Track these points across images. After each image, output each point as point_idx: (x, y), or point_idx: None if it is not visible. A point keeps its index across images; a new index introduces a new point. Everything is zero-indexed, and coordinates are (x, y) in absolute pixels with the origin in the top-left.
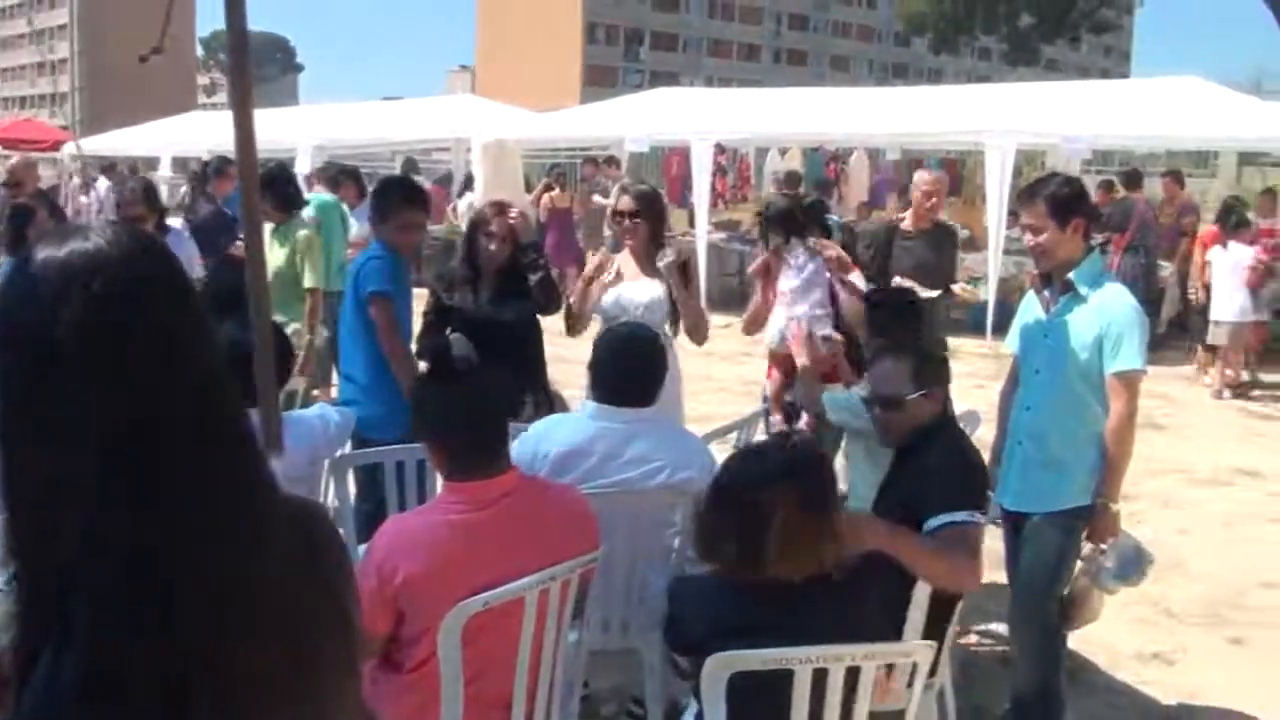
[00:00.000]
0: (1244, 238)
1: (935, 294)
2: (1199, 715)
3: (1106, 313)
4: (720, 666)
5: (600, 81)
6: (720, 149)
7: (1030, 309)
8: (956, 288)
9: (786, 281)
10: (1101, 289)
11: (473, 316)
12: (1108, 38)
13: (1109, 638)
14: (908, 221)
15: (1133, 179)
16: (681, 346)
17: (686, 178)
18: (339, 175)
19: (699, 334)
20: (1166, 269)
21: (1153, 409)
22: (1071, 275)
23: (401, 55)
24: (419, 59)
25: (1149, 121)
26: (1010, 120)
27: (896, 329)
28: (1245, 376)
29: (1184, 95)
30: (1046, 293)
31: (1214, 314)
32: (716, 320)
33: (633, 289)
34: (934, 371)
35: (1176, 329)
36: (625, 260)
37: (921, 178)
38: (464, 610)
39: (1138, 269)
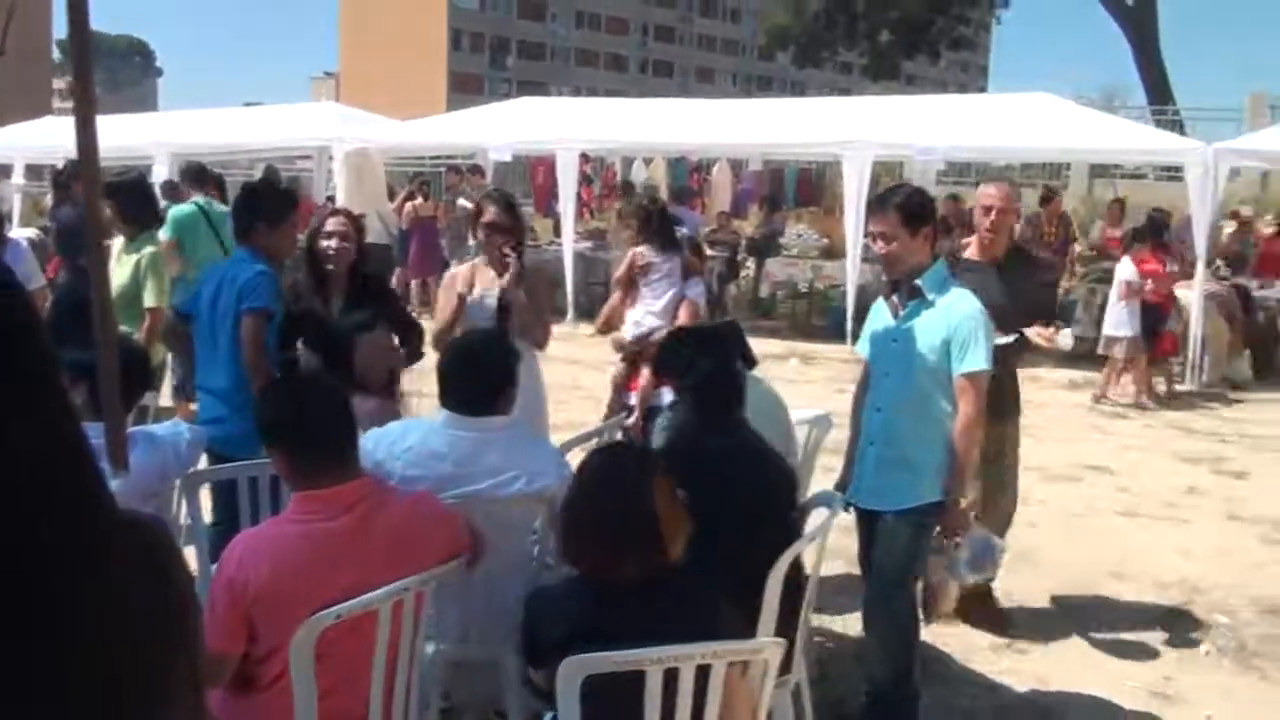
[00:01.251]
0: (1137, 254)
1: (1008, 340)
2: (1050, 700)
3: (953, 317)
4: (573, 670)
5: (466, 90)
6: (585, 158)
7: (880, 315)
8: (1032, 332)
9: (648, 285)
10: (947, 294)
11: (321, 323)
12: (966, 54)
13: (962, 629)
14: (972, 249)
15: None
16: (551, 355)
17: (552, 187)
18: (201, 173)
19: (531, 337)
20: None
21: None
22: (919, 281)
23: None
24: (283, 65)
25: (1002, 134)
26: (867, 132)
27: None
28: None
29: (1035, 110)
30: (895, 298)
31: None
32: (584, 328)
33: (493, 297)
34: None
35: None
36: (483, 270)
37: (984, 191)
38: (316, 624)
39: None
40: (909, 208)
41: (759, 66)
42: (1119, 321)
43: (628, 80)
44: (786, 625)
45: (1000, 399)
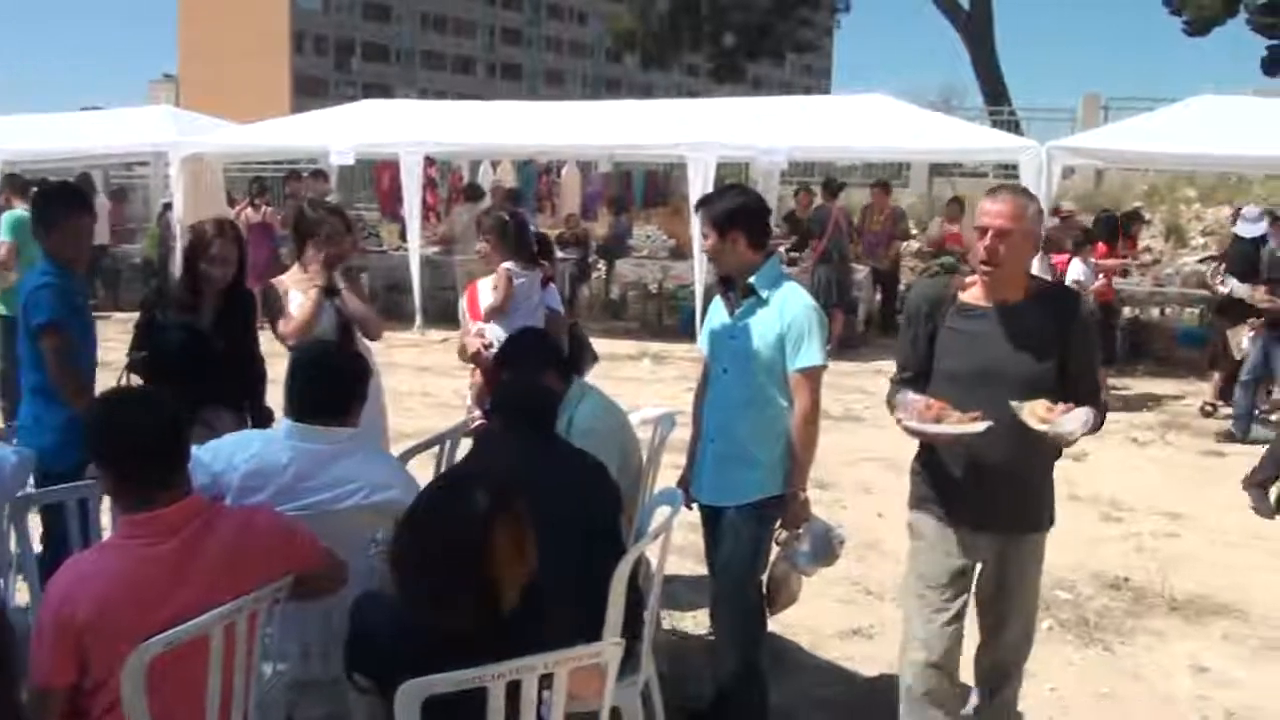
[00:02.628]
0: (1085, 254)
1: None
2: (895, 679)
3: (786, 313)
4: (413, 694)
5: (311, 93)
6: (430, 161)
7: (717, 312)
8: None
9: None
10: (780, 290)
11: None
12: (809, 57)
13: (811, 619)
14: (975, 290)
15: (830, 188)
16: (398, 363)
17: (397, 191)
18: (19, 182)
19: (368, 331)
20: (861, 272)
21: (853, 402)
22: (752, 279)
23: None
24: (120, 67)
25: (843, 135)
26: (711, 133)
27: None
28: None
29: (875, 110)
30: (730, 296)
31: None
32: (432, 335)
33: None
34: None
35: (877, 327)
36: (304, 279)
37: (983, 207)
38: (145, 652)
39: (832, 273)
40: (717, 211)
41: (607, 69)
42: None
43: (476, 83)
44: (631, 624)
45: None
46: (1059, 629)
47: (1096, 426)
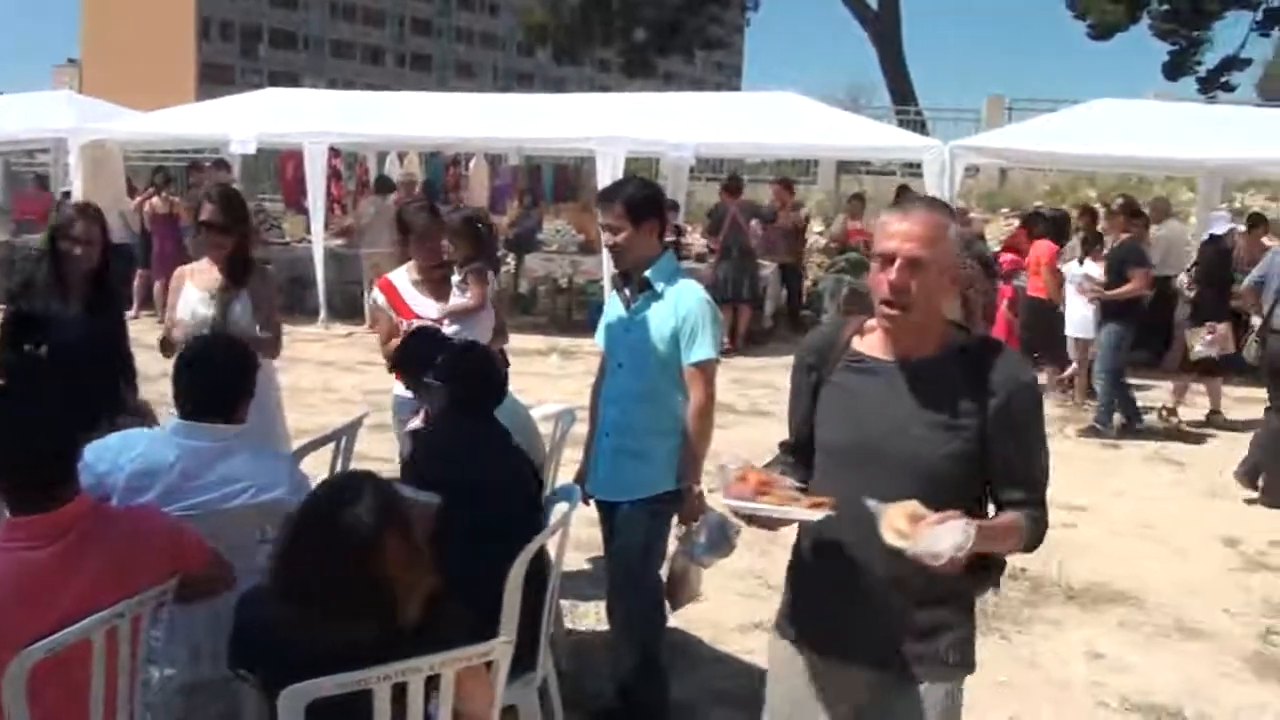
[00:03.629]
0: (1097, 256)
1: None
2: None
3: (681, 307)
4: (298, 698)
5: (217, 80)
6: (335, 152)
7: (614, 307)
8: (889, 530)
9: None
10: (676, 285)
11: (55, 328)
12: (720, 54)
13: (713, 613)
14: (874, 337)
15: (730, 185)
16: (301, 357)
17: (302, 182)
18: None
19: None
20: (768, 268)
21: (759, 397)
22: (648, 273)
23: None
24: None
25: (751, 131)
26: (620, 128)
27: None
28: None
29: (784, 108)
30: (626, 290)
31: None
32: (337, 329)
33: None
34: None
35: (785, 322)
36: (203, 271)
37: (887, 227)
38: (26, 658)
39: (732, 269)
40: (634, 200)
41: (519, 62)
42: (1085, 322)
43: (385, 73)
44: (530, 621)
45: None
46: None
47: (1018, 548)
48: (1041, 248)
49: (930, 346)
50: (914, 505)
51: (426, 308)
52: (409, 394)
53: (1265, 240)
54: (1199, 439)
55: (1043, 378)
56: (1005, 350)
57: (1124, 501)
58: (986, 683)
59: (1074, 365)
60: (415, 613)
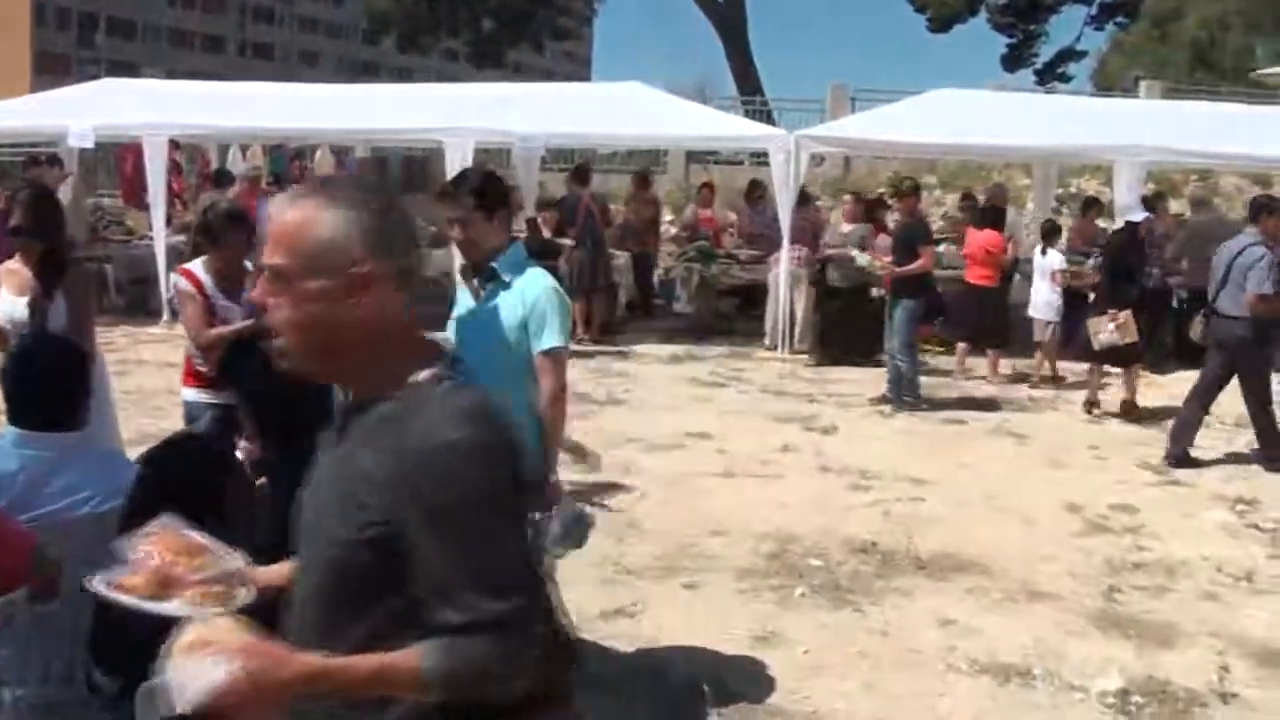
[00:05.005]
0: (1057, 244)
1: None
2: (661, 658)
3: (529, 296)
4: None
5: (52, 70)
6: (176, 145)
7: (463, 299)
8: None
9: None
10: (524, 275)
11: None
12: (569, 45)
13: (572, 602)
14: None
15: (579, 173)
16: (144, 359)
17: (142, 177)
18: None
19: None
20: (621, 257)
21: (614, 385)
22: (495, 264)
23: None
24: None
25: (601, 122)
26: (470, 119)
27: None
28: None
29: (633, 99)
30: (475, 282)
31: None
32: (181, 330)
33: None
34: None
35: (640, 311)
36: (15, 271)
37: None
38: None
39: (586, 258)
40: (481, 191)
41: (364, 51)
42: (1049, 306)
43: (226, 62)
44: None
45: None
46: (811, 594)
47: (424, 696)
48: (987, 237)
49: (369, 391)
50: (216, 622)
51: (230, 311)
52: (204, 397)
53: (1098, 222)
54: (1040, 409)
55: (985, 366)
56: (442, 395)
57: (969, 474)
58: (842, 654)
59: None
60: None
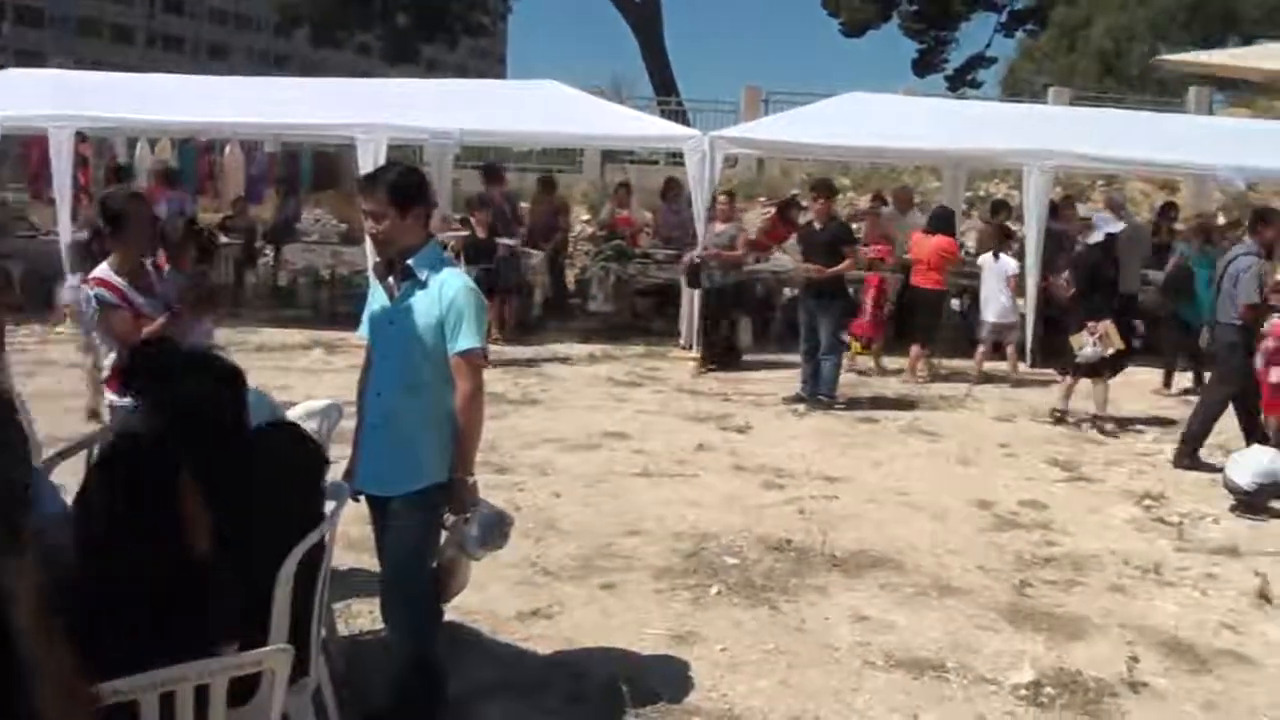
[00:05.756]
0: (1010, 249)
1: None
2: (578, 659)
3: (445, 296)
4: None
5: None
6: (82, 137)
7: (378, 297)
8: None
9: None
10: (440, 274)
11: None
12: (485, 42)
13: (490, 603)
14: None
15: (490, 172)
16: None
17: (48, 170)
18: None
19: None
20: (535, 256)
21: (529, 385)
22: (411, 262)
23: None
24: None
25: (516, 120)
26: (382, 114)
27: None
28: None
29: (548, 97)
30: (390, 280)
31: (985, 314)
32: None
33: None
34: None
35: (557, 311)
36: None
37: None
38: None
39: (500, 258)
40: (399, 187)
41: (275, 45)
42: (1005, 309)
43: (135, 54)
44: (301, 626)
45: None
46: (727, 592)
47: None
48: (939, 242)
49: None
50: None
51: (149, 307)
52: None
53: (1009, 224)
54: (951, 408)
55: (921, 366)
56: None
57: (882, 472)
58: (758, 651)
59: (1010, 347)
60: (205, 549)
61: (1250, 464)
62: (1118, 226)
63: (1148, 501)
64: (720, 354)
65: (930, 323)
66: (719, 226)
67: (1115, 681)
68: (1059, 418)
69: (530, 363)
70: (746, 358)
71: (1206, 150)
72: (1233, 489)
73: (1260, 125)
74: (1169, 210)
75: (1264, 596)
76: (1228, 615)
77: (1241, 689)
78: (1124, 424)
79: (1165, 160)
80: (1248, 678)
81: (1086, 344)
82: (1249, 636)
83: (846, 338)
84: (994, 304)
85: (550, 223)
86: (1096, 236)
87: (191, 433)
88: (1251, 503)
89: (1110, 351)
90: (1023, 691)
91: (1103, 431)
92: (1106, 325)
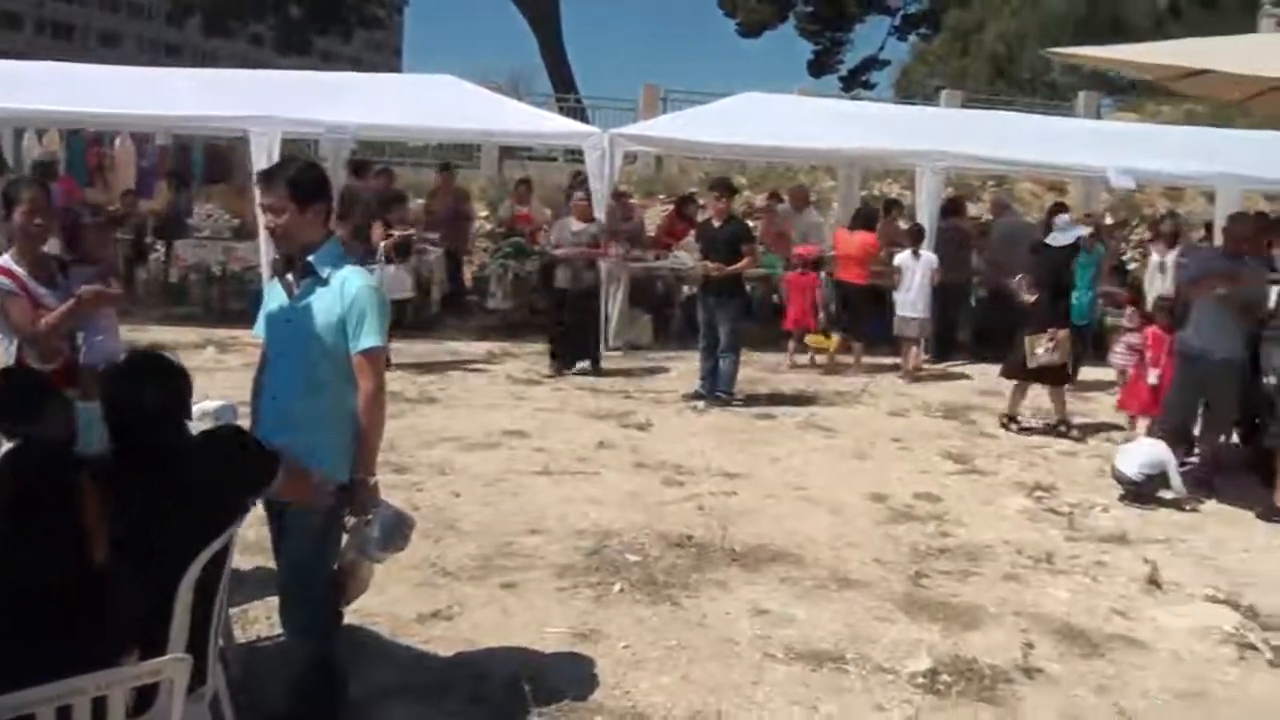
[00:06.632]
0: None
1: None
2: (478, 659)
3: (347, 294)
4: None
5: None
6: None
7: (275, 295)
8: None
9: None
10: (341, 271)
11: None
12: (380, 34)
13: (390, 605)
14: None
15: (358, 168)
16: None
17: None
18: None
19: None
20: (434, 253)
21: (427, 384)
22: (311, 258)
23: None
24: None
25: (415, 115)
26: (276, 107)
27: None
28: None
29: (445, 92)
30: (289, 277)
31: (903, 310)
32: None
33: None
34: None
35: (455, 308)
36: None
37: None
38: None
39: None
40: (299, 182)
41: (167, 33)
42: (917, 303)
43: (22, 41)
44: (200, 634)
45: None
46: (630, 589)
47: None
48: (863, 238)
49: None
50: None
51: (50, 298)
52: None
53: (900, 223)
54: (847, 404)
55: (851, 359)
56: None
57: (779, 467)
58: (659, 648)
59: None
60: (103, 555)
61: (1138, 455)
62: (1084, 231)
63: (1039, 493)
64: (572, 357)
65: (862, 315)
66: (576, 225)
67: (1010, 668)
68: (1007, 423)
69: (428, 360)
70: (648, 355)
71: (1095, 153)
72: (1121, 479)
73: (1146, 129)
74: (1059, 210)
75: (1153, 582)
76: (1118, 601)
77: (1133, 672)
78: (1064, 426)
79: (1055, 162)
80: (1139, 661)
81: (1041, 347)
82: (1139, 622)
83: (811, 340)
84: (921, 300)
85: (454, 211)
86: (1063, 239)
87: (125, 433)
88: (1140, 493)
89: (1059, 361)
90: (920, 680)
91: (1067, 436)
92: (1064, 334)
